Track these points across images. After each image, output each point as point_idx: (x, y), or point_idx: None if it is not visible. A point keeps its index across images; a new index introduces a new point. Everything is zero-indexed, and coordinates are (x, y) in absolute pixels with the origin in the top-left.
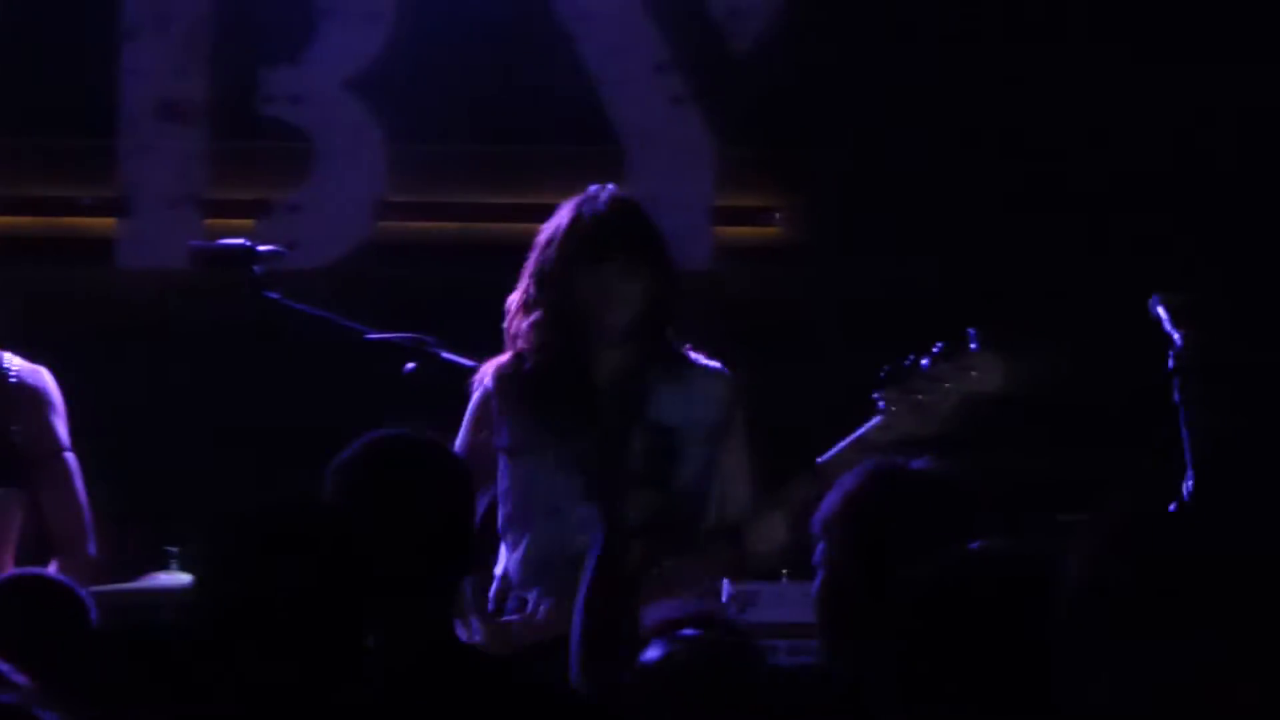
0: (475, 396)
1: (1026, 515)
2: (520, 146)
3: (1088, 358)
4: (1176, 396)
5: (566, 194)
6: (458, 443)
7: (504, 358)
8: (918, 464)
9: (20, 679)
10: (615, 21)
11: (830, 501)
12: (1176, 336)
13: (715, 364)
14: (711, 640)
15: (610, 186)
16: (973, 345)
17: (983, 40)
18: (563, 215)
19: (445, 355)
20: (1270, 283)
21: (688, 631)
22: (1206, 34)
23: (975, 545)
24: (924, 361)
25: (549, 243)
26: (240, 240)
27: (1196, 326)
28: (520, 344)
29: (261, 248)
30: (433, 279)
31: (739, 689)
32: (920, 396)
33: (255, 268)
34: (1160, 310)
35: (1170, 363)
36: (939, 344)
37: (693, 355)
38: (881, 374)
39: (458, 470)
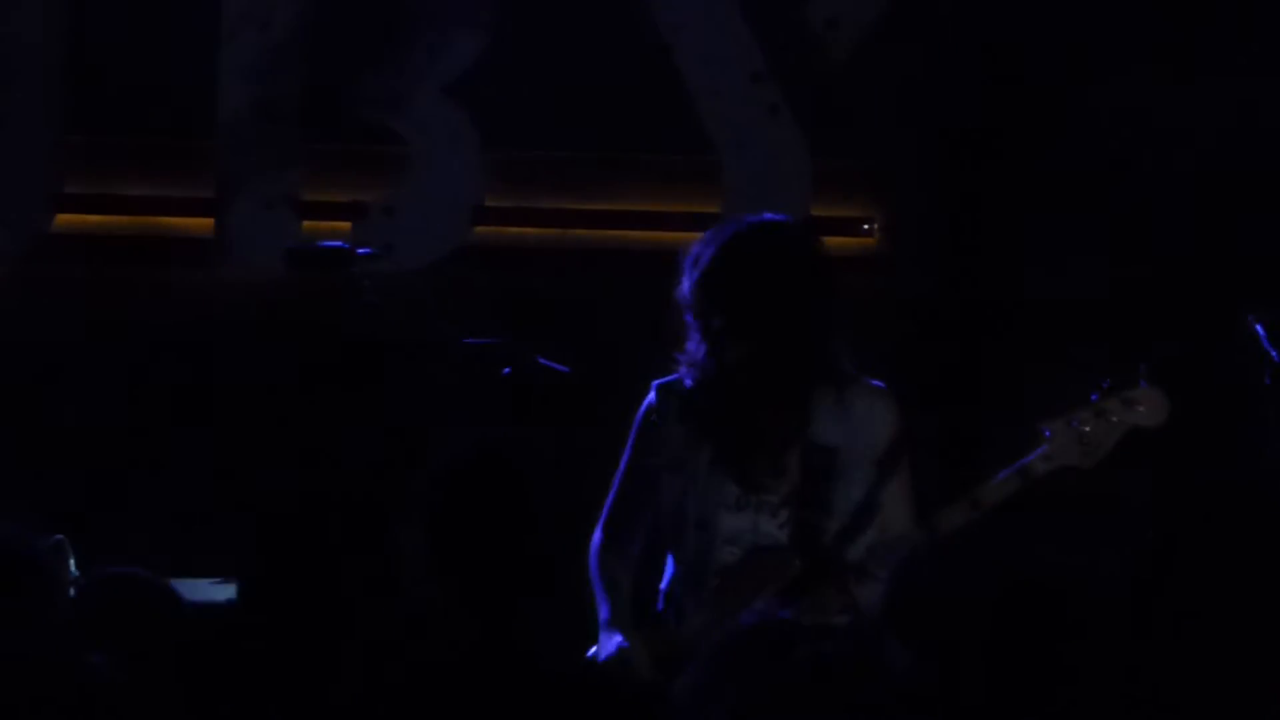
0: (639, 415)
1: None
2: (617, 154)
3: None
4: (1277, 412)
5: (662, 201)
6: (623, 462)
7: (670, 377)
8: None
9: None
10: (713, 31)
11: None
12: (1275, 354)
13: (880, 385)
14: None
15: (757, 224)
16: (1141, 382)
17: (1079, 52)
18: (709, 263)
19: (541, 360)
20: None
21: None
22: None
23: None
24: (1092, 395)
25: (706, 292)
26: (337, 242)
27: None
28: (686, 365)
29: (359, 250)
30: (528, 284)
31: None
32: (1086, 429)
33: (352, 270)
34: (1259, 328)
35: (1268, 379)
36: (1106, 379)
37: (860, 376)
38: (1056, 407)
39: (546, 482)
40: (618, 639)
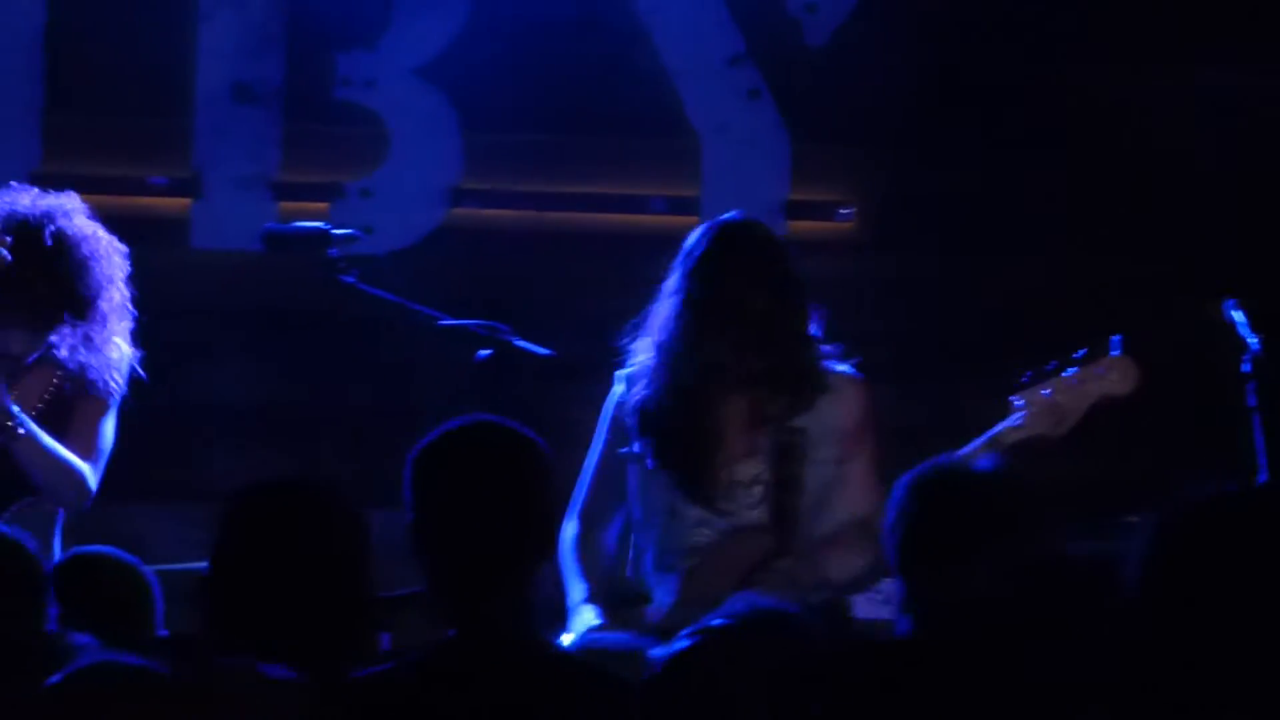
0: (609, 406)
1: (1094, 517)
2: (595, 137)
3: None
4: (1252, 400)
5: (640, 186)
6: (593, 451)
7: (636, 366)
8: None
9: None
10: (692, 14)
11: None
12: (1253, 341)
13: (849, 369)
14: (738, 630)
15: (730, 223)
16: (1113, 351)
17: (1055, 42)
18: (688, 255)
19: (518, 342)
20: None
21: (716, 621)
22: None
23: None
24: (1067, 368)
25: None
26: (316, 223)
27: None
28: (659, 352)
29: (336, 231)
30: (504, 267)
31: (760, 680)
32: (1057, 397)
33: (330, 251)
34: (1236, 314)
35: (1246, 366)
36: (1081, 349)
37: (827, 360)
38: (1024, 378)
39: (537, 461)
40: (591, 621)
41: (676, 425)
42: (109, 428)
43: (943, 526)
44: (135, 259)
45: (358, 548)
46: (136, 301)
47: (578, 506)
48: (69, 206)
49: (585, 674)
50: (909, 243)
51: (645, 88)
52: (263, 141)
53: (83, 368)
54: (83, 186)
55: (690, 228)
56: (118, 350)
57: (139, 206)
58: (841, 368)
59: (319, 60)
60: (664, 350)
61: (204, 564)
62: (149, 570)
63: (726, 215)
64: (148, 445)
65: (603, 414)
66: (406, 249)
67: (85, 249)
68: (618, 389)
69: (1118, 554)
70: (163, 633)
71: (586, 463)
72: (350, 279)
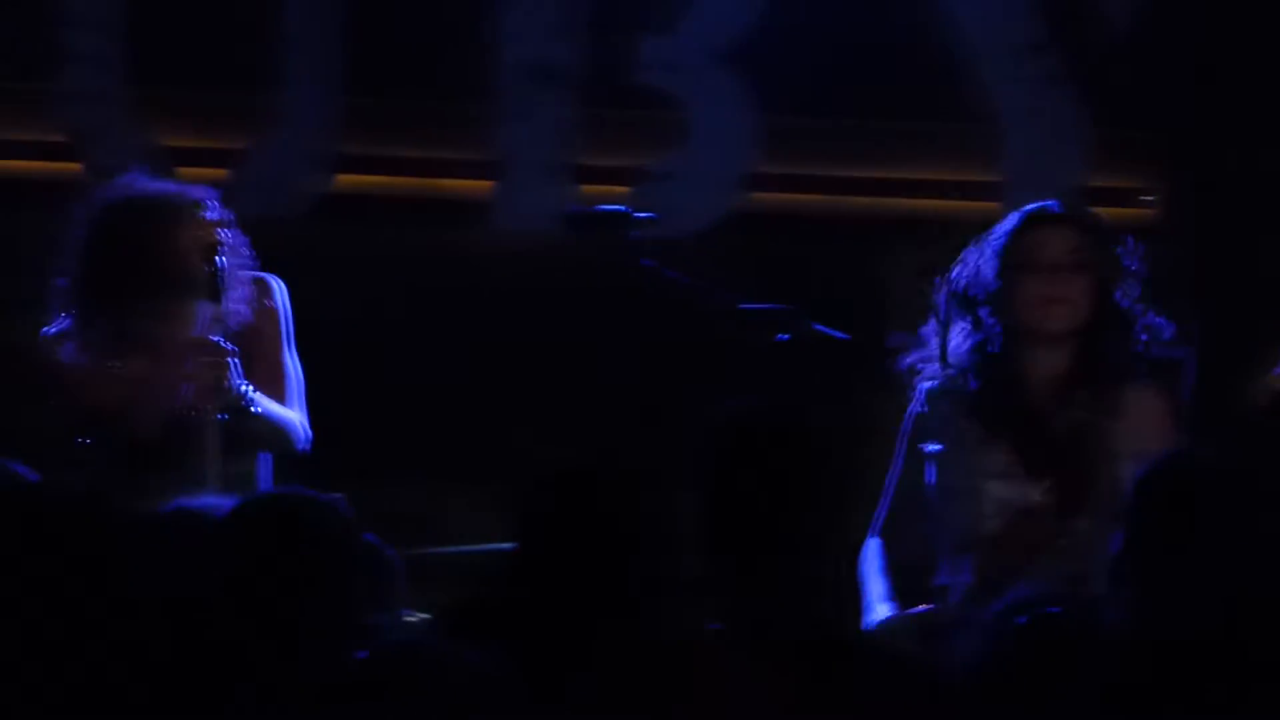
0: (908, 422)
1: None
2: (891, 121)
3: None
4: None
5: (936, 170)
6: (892, 468)
7: (936, 377)
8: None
9: None
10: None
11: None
12: None
13: (1144, 380)
14: (1050, 621)
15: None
16: None
17: None
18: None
19: (817, 326)
20: None
21: (1049, 610)
22: None
23: None
24: None
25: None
26: (618, 206)
27: None
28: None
29: (637, 214)
30: (799, 251)
31: (1069, 671)
32: None
33: (630, 234)
34: None
35: None
36: None
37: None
38: None
39: (814, 443)
40: (885, 610)
41: (990, 404)
42: (289, 359)
43: (1165, 525)
44: (438, 240)
45: (667, 528)
46: (439, 282)
47: (878, 525)
48: None
49: (882, 656)
50: (1212, 228)
51: (943, 72)
52: (565, 124)
53: (239, 323)
54: (387, 168)
55: (987, 214)
56: (241, 295)
57: (442, 188)
58: (1144, 381)
59: (622, 43)
60: (979, 332)
61: (491, 545)
62: (390, 550)
63: (1045, 203)
64: (450, 425)
65: (902, 430)
66: (703, 232)
67: None
68: (919, 404)
69: None
70: (406, 613)
71: (888, 479)
72: (651, 262)
